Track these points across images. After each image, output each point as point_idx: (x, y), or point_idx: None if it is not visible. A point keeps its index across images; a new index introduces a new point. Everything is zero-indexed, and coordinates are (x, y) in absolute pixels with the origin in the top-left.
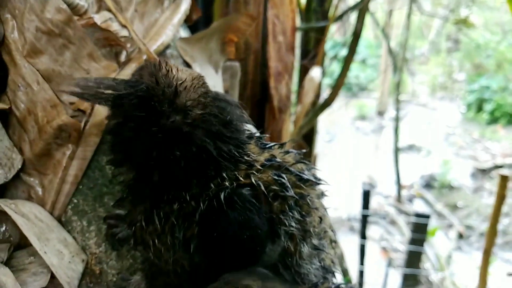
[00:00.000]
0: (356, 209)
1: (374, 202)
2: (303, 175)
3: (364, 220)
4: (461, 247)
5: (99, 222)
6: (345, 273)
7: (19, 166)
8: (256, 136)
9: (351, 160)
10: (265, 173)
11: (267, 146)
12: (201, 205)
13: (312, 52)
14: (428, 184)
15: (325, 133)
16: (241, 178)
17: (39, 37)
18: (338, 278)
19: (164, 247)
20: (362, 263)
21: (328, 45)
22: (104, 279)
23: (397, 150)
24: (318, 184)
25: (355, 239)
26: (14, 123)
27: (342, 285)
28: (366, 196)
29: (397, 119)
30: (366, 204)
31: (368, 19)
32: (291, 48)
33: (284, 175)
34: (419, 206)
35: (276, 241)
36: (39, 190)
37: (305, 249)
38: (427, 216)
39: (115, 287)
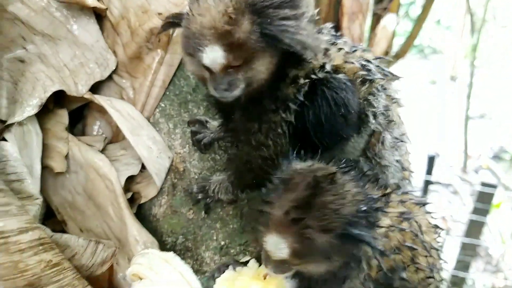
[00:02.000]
0: (417, 177)
1: (437, 171)
2: (385, 69)
3: (426, 185)
4: None
5: (183, 126)
6: None
7: (113, 67)
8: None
9: (417, 126)
10: (352, 59)
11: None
12: (304, 87)
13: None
14: (497, 156)
15: None
16: (334, 59)
17: None
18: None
19: (276, 139)
20: None
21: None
22: (187, 176)
23: (467, 118)
24: (398, 78)
25: None
26: (108, 28)
27: (412, 193)
28: (431, 162)
29: (470, 85)
30: (429, 169)
31: None
32: None
33: (367, 62)
34: (485, 178)
35: (361, 131)
36: (130, 92)
37: (389, 137)
38: (493, 186)
39: (197, 184)
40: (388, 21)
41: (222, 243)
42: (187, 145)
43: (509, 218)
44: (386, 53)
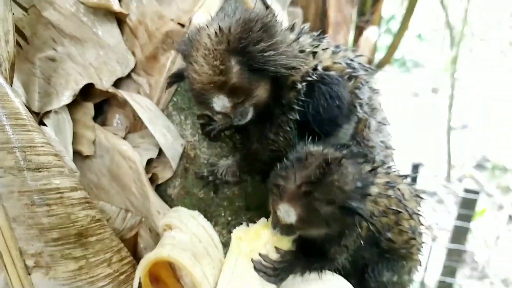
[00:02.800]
0: None
1: (422, 180)
2: (365, 65)
3: None
4: (511, 229)
5: (193, 117)
6: None
7: (132, 66)
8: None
9: (400, 137)
10: (336, 60)
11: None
12: (303, 89)
13: (368, 12)
14: (480, 165)
15: None
16: (323, 60)
17: None
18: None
19: (285, 135)
20: None
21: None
22: (197, 161)
23: (449, 129)
24: (376, 72)
25: None
26: (127, 32)
27: (394, 167)
28: (415, 170)
29: (451, 97)
30: (414, 178)
31: None
32: (350, 0)
33: (350, 61)
34: (468, 186)
35: (350, 118)
36: (147, 88)
37: (373, 123)
38: (476, 192)
39: (206, 168)
40: (370, 33)
41: (229, 218)
42: (197, 134)
43: (493, 225)
44: (369, 62)
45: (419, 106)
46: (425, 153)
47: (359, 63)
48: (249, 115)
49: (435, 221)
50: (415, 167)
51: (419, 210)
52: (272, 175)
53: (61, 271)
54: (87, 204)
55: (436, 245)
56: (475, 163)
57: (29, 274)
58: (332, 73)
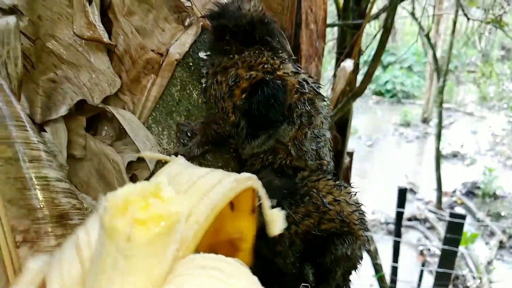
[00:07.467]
0: (391, 210)
1: (414, 207)
2: (317, 90)
3: (399, 218)
4: (503, 256)
5: (169, 129)
6: (378, 268)
7: (118, 87)
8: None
9: (392, 166)
10: (292, 77)
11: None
12: (251, 81)
13: (347, 48)
14: (471, 192)
15: (366, 137)
16: (278, 68)
17: (133, 3)
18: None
19: (224, 107)
20: (396, 260)
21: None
22: None
23: (439, 156)
24: (324, 100)
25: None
26: (115, 59)
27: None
28: (402, 194)
29: (440, 125)
30: (401, 202)
31: (414, 24)
32: (322, 36)
33: (304, 82)
34: (455, 211)
35: (290, 123)
36: (131, 105)
37: (309, 133)
38: (463, 216)
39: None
40: (347, 64)
41: None
42: (172, 143)
43: (485, 252)
44: (347, 92)
45: (410, 135)
46: (416, 180)
47: (311, 87)
48: None
49: (426, 247)
50: (401, 192)
51: (349, 193)
52: None
53: (43, 245)
54: (69, 194)
55: (426, 270)
56: (466, 190)
57: (18, 247)
58: (278, 81)
